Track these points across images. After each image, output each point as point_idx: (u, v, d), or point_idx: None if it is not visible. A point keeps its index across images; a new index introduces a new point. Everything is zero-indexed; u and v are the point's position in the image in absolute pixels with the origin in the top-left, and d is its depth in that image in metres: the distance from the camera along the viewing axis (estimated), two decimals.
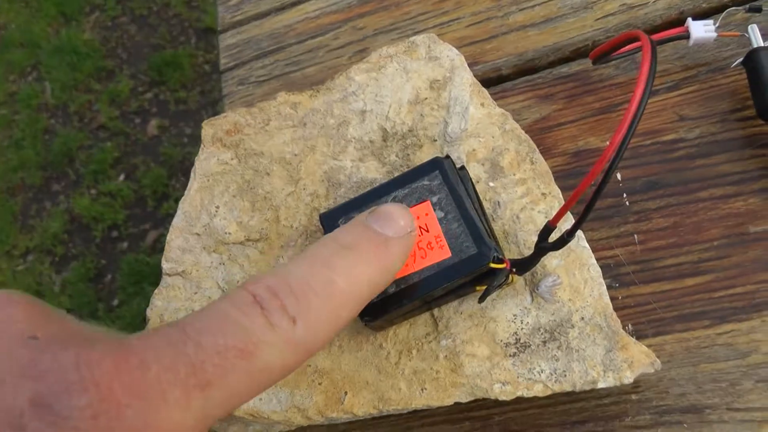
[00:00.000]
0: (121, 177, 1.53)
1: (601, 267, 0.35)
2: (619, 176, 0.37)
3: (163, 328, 0.21)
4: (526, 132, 0.39)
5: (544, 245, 0.29)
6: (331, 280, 0.24)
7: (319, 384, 0.33)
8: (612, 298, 0.35)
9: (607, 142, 0.37)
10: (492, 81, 0.41)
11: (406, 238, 0.27)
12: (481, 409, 0.34)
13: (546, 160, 0.37)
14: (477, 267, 0.30)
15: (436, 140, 0.35)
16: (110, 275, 1.44)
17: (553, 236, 0.29)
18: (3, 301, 0.21)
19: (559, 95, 0.39)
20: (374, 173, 0.35)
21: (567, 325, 0.31)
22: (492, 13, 0.42)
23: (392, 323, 0.33)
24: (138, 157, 1.53)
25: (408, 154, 0.35)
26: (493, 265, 0.30)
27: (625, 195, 0.36)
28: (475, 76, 0.41)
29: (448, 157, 0.32)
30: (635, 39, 0.30)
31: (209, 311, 0.22)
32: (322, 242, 0.26)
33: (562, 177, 0.37)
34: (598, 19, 0.40)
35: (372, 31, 0.45)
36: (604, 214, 0.36)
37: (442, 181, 0.31)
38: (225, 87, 0.51)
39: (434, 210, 0.31)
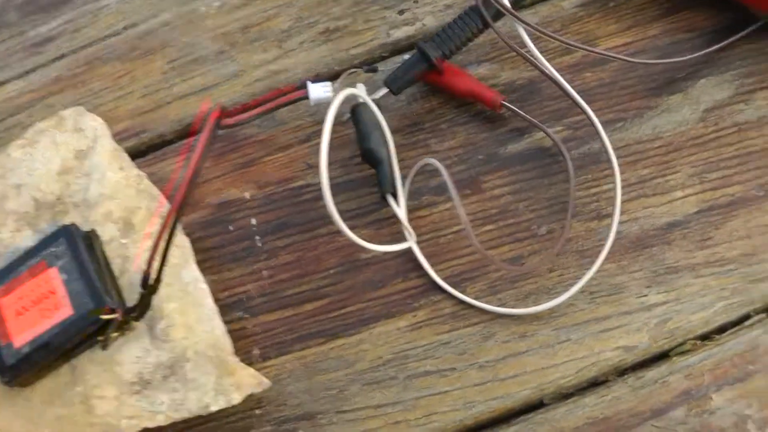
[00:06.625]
0: None
1: (234, 301, 0.41)
2: (254, 221, 0.43)
3: None
4: (176, 188, 0.44)
5: (144, 292, 0.35)
6: None
7: None
8: (242, 328, 0.40)
9: (246, 194, 0.43)
10: (157, 146, 0.46)
11: None
12: None
13: (194, 212, 0.43)
14: (92, 320, 0.35)
15: (79, 206, 0.40)
16: None
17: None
18: None
19: (209, 154, 0.45)
20: (29, 241, 0.40)
21: (183, 359, 0.36)
22: (160, 85, 0.47)
23: (38, 378, 0.37)
24: None
25: (57, 221, 0.40)
26: (103, 317, 0.35)
27: (258, 237, 0.42)
28: (142, 142, 0.46)
29: (73, 224, 0.37)
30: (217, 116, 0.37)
31: None
32: None
33: (206, 226, 0.42)
34: (247, 84, 0.47)
35: (60, 107, 0.49)
36: (239, 255, 0.42)
37: (66, 247, 0.36)
38: None
39: (60, 274, 0.36)
